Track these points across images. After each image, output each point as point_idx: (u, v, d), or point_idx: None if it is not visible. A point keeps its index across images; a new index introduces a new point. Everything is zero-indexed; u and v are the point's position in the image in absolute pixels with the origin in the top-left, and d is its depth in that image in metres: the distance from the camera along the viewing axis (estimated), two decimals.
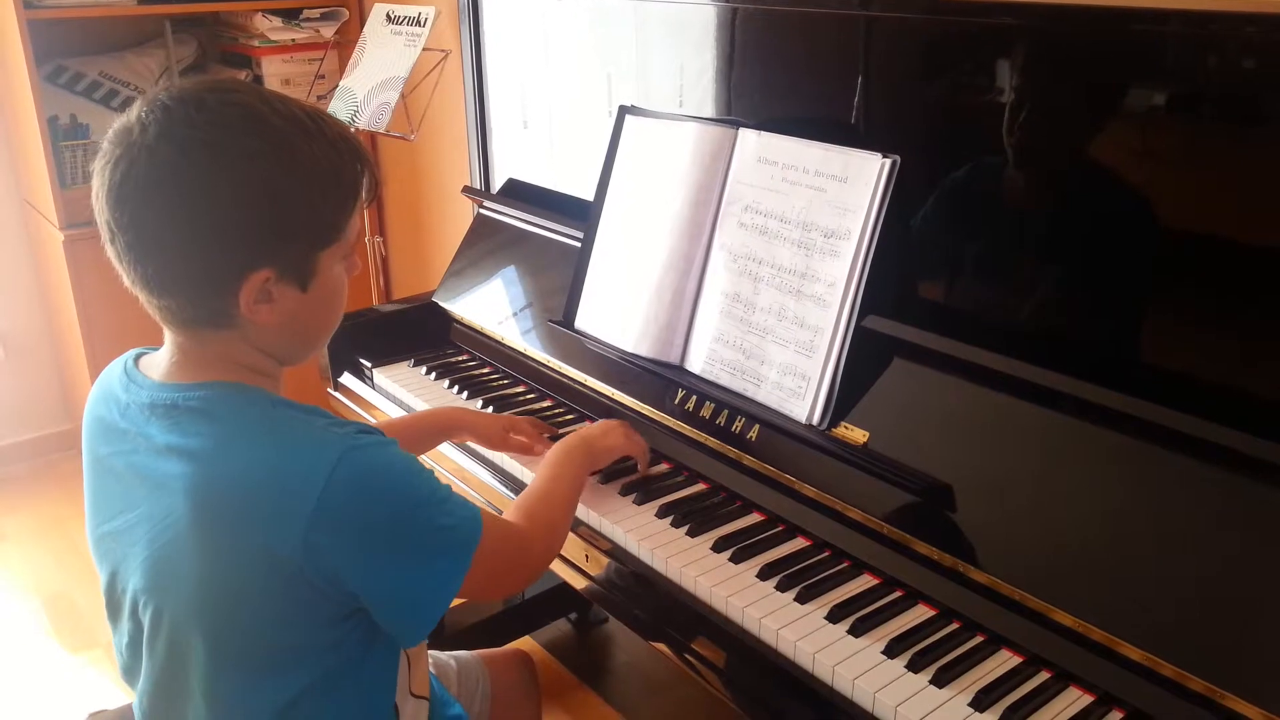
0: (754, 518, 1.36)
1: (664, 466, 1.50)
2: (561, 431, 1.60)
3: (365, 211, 1.04)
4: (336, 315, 1.05)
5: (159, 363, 1.01)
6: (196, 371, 0.98)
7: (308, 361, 1.07)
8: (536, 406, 1.70)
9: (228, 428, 0.95)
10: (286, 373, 1.06)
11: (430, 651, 1.40)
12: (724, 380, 1.47)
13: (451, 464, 1.62)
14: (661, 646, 1.25)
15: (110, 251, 0.95)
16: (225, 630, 0.97)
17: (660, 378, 1.53)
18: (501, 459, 1.55)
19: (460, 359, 1.91)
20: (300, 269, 0.97)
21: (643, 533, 1.33)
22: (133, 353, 1.05)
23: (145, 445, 0.98)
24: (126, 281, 0.95)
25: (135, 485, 0.99)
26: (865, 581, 1.23)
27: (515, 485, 1.51)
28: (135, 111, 0.92)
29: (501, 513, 1.26)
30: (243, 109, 0.92)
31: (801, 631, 1.14)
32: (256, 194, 0.91)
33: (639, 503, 1.39)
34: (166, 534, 0.95)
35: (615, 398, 1.60)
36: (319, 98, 2.81)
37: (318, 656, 0.99)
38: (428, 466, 1.62)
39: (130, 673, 1.07)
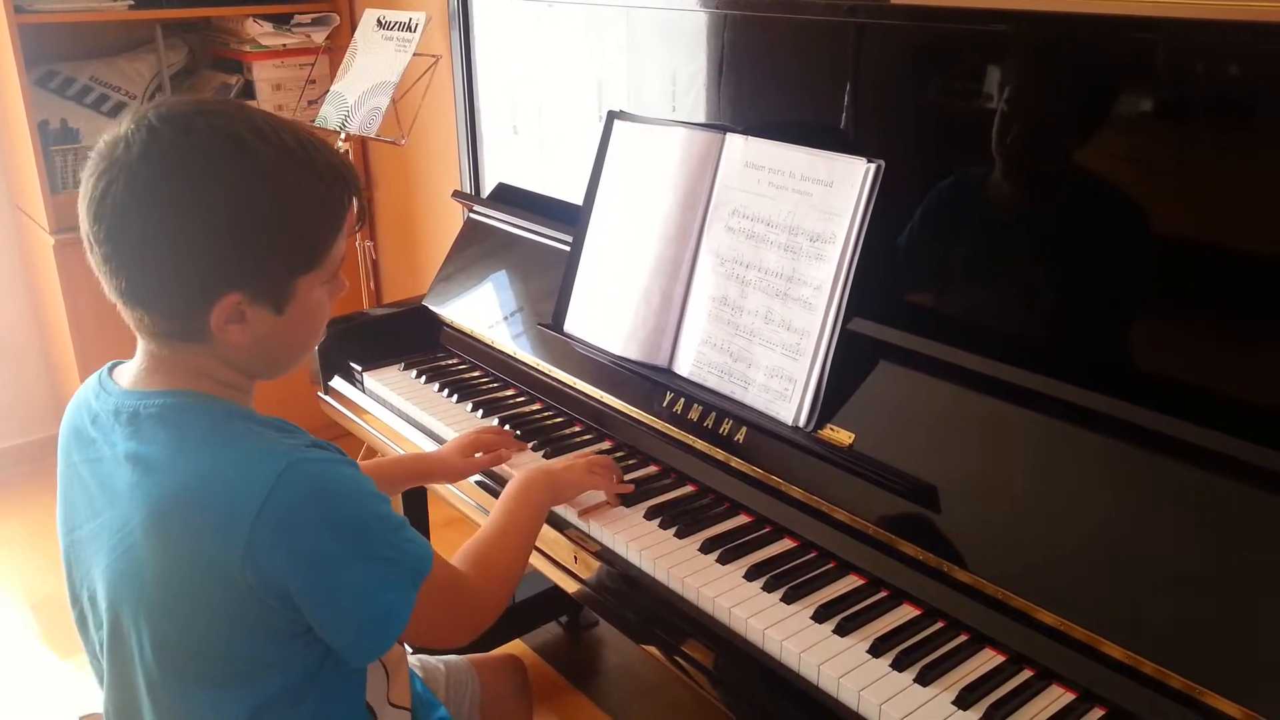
0: (741, 519, 1.38)
1: (652, 469, 1.51)
2: (534, 447, 1.61)
3: (354, 234, 1.03)
4: (312, 337, 1.05)
5: (130, 370, 1.01)
6: (163, 380, 0.98)
7: (285, 375, 1.06)
8: (526, 410, 1.71)
9: (182, 435, 0.95)
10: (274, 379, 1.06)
11: (419, 655, 1.41)
12: (711, 383, 1.48)
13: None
14: (651, 648, 1.26)
15: (90, 260, 0.95)
16: (178, 642, 0.96)
17: (649, 381, 1.54)
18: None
19: (450, 362, 1.92)
20: (276, 293, 0.96)
21: (631, 534, 1.34)
22: (111, 363, 1.05)
23: (109, 453, 0.98)
24: (105, 289, 0.96)
25: (98, 493, 0.99)
26: (851, 582, 1.24)
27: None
28: (125, 125, 0.92)
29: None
30: (229, 137, 0.91)
31: (788, 631, 1.15)
32: (233, 222, 0.91)
33: (627, 505, 1.40)
34: (124, 543, 0.95)
35: (604, 401, 1.60)
36: (310, 102, 2.82)
37: (270, 673, 0.98)
38: None
39: (102, 681, 1.07)
